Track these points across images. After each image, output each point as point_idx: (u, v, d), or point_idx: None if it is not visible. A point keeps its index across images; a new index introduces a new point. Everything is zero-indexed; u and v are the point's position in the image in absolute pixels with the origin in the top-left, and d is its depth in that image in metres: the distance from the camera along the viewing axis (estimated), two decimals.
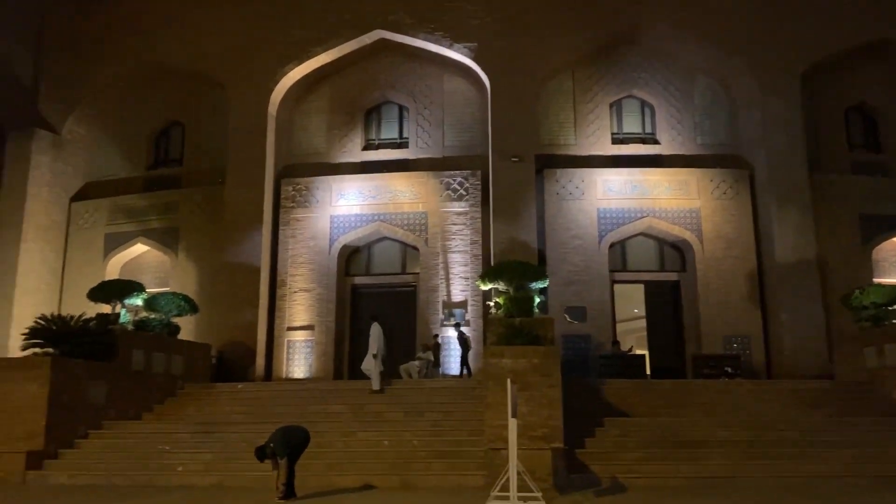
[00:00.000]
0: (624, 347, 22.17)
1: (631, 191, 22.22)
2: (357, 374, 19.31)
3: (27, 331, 15.94)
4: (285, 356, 22.28)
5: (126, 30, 24.79)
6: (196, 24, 24.15)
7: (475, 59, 22.66)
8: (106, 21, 25.17)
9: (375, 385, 17.46)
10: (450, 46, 22.87)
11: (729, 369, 19.69)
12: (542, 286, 17.87)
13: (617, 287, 22.43)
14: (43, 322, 16.03)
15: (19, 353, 16.25)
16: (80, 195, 25.24)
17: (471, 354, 20.93)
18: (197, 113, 24.94)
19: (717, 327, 21.24)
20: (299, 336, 22.39)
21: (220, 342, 21.66)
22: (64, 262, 24.59)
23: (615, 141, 23.28)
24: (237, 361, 21.51)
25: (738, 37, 22.52)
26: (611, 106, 23.54)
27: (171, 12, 24.42)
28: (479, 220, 22.22)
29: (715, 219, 22.01)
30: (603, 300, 21.65)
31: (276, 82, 23.29)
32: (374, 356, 17.58)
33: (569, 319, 21.02)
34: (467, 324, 21.56)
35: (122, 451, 14.94)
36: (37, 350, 15.57)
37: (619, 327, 22.67)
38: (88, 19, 25.42)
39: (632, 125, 23.60)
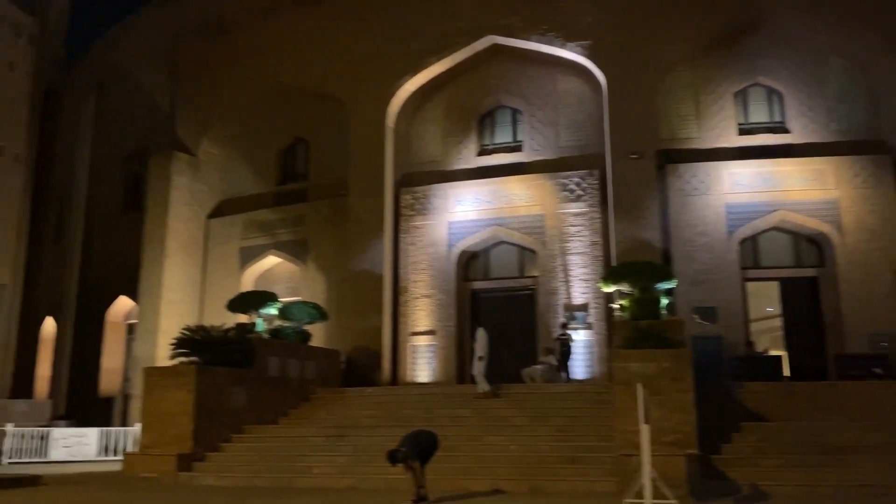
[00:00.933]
0: (758, 348, 21.10)
1: (761, 183, 21.12)
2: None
3: (174, 341, 17.12)
4: (410, 360, 22.77)
5: (252, 54, 26.19)
6: (316, 44, 25.14)
7: (589, 57, 22.32)
8: (234, 47, 26.69)
9: (482, 387, 17.65)
10: (562, 46, 22.64)
11: (878, 370, 18.30)
12: (668, 287, 17.30)
13: (749, 285, 21.38)
14: (188, 332, 17.19)
15: (168, 362, 17.47)
16: (216, 212, 26.89)
17: (594, 358, 20.64)
18: (320, 129, 25.94)
19: (862, 325, 19.79)
20: (422, 341, 22.82)
21: (349, 348, 22.43)
22: (204, 275, 26.23)
23: (741, 132, 22.21)
24: (365, 366, 22.18)
25: (873, 11, 20.95)
26: (735, 95, 22.47)
27: (293, 35, 25.56)
28: (599, 220, 21.82)
29: (856, 209, 20.54)
30: (734, 299, 20.69)
31: (393, 95, 23.91)
32: (480, 359, 17.82)
33: (698, 320, 20.20)
34: (588, 327, 21.22)
35: (262, 454, 15.75)
36: (183, 359, 16.70)
37: (753, 327, 21.55)
38: (218, 46, 27.03)
39: (759, 114, 22.43)
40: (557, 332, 20.71)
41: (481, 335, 18.38)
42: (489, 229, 22.92)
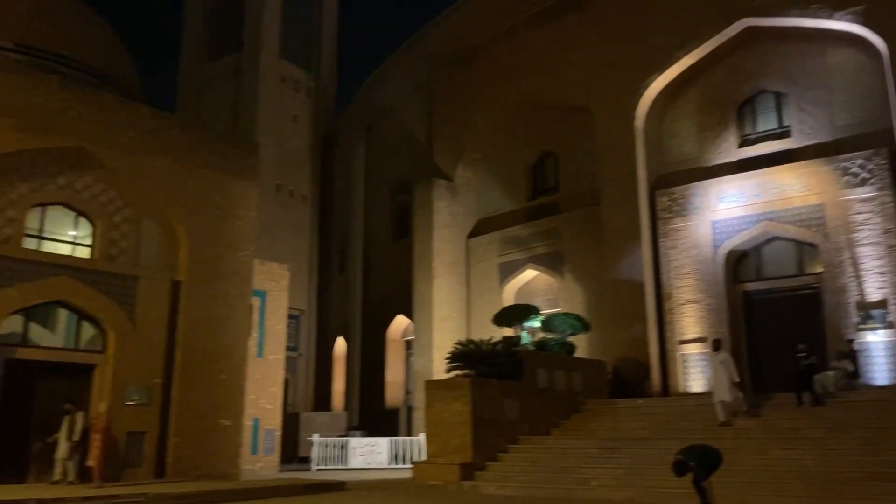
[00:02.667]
0: None
1: None
2: (761, 387, 18.03)
3: (448, 355, 18.16)
4: (680, 370, 21.78)
5: (497, 77, 27.22)
6: (558, 57, 25.39)
7: (864, 24, 19.83)
8: (480, 73, 28.00)
9: (725, 414, 16.23)
10: (829, 17, 20.41)
11: None
12: None
13: None
14: (460, 347, 18.15)
15: (443, 375, 18.57)
16: (475, 232, 28.18)
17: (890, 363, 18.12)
18: (567, 140, 26.08)
19: None
20: (692, 349, 21.73)
21: (614, 358, 22.08)
22: (468, 292, 27.59)
23: None
24: (632, 377, 21.66)
25: None
26: None
27: (534, 52, 26.11)
28: (892, 204, 19.14)
29: None
30: None
31: (640, 96, 23.30)
32: (736, 384, 16.47)
33: None
34: (889, 326, 18.67)
35: (538, 465, 16.05)
36: (458, 372, 17.64)
37: None
38: (466, 74, 28.53)
39: None
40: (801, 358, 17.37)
41: (727, 357, 17.05)
42: (759, 225, 21.23)
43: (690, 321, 21.83)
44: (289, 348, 26.71)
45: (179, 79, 38.72)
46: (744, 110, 22.86)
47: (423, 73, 30.58)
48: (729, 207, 21.69)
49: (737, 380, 16.61)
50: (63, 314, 17.03)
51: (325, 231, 37.91)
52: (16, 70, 17.28)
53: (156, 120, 18.84)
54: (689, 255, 22.18)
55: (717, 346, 17.89)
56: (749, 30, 22.03)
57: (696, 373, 21.43)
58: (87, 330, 17.27)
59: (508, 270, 26.57)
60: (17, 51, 19.64)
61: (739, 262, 22.08)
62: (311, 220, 37.56)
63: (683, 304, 22.07)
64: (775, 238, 21.41)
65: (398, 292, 29.27)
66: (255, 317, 20.93)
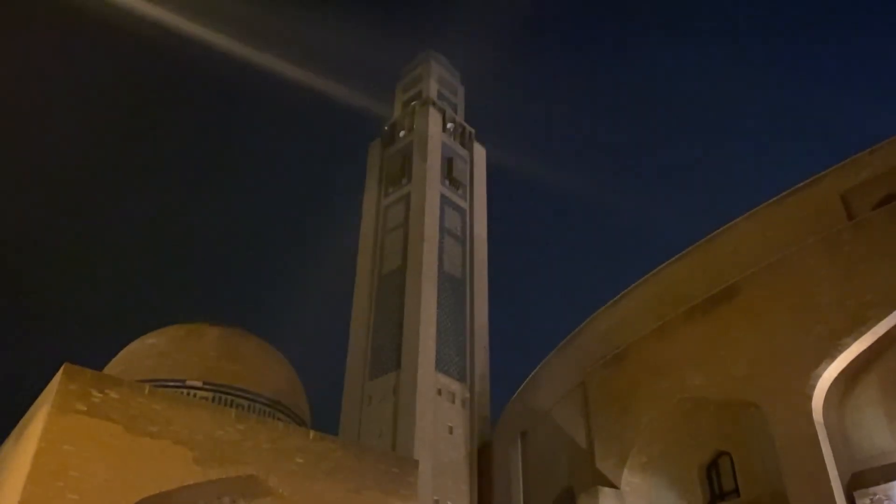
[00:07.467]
0: None
1: None
2: None
3: None
4: None
5: (654, 375, 26.63)
6: (715, 351, 24.72)
7: None
8: (635, 371, 27.56)
9: None
10: None
11: None
12: None
13: None
14: None
15: None
16: None
17: None
18: (740, 437, 24.25)
19: None
20: None
21: None
22: None
23: None
24: None
25: None
26: None
27: (690, 348, 25.65)
28: None
29: None
30: None
31: (813, 388, 21.69)
32: None
33: None
34: None
35: None
36: None
37: None
38: (620, 374, 28.18)
39: None
40: None
41: None
42: None
43: None
44: None
45: (343, 398, 40.94)
46: None
47: (577, 375, 30.57)
48: None
49: None
50: None
51: None
52: (200, 406, 19.01)
53: (322, 444, 19.61)
54: None
55: None
56: None
57: None
58: None
59: None
60: (204, 388, 21.82)
61: None
62: None
63: None
64: None
65: None
66: None
